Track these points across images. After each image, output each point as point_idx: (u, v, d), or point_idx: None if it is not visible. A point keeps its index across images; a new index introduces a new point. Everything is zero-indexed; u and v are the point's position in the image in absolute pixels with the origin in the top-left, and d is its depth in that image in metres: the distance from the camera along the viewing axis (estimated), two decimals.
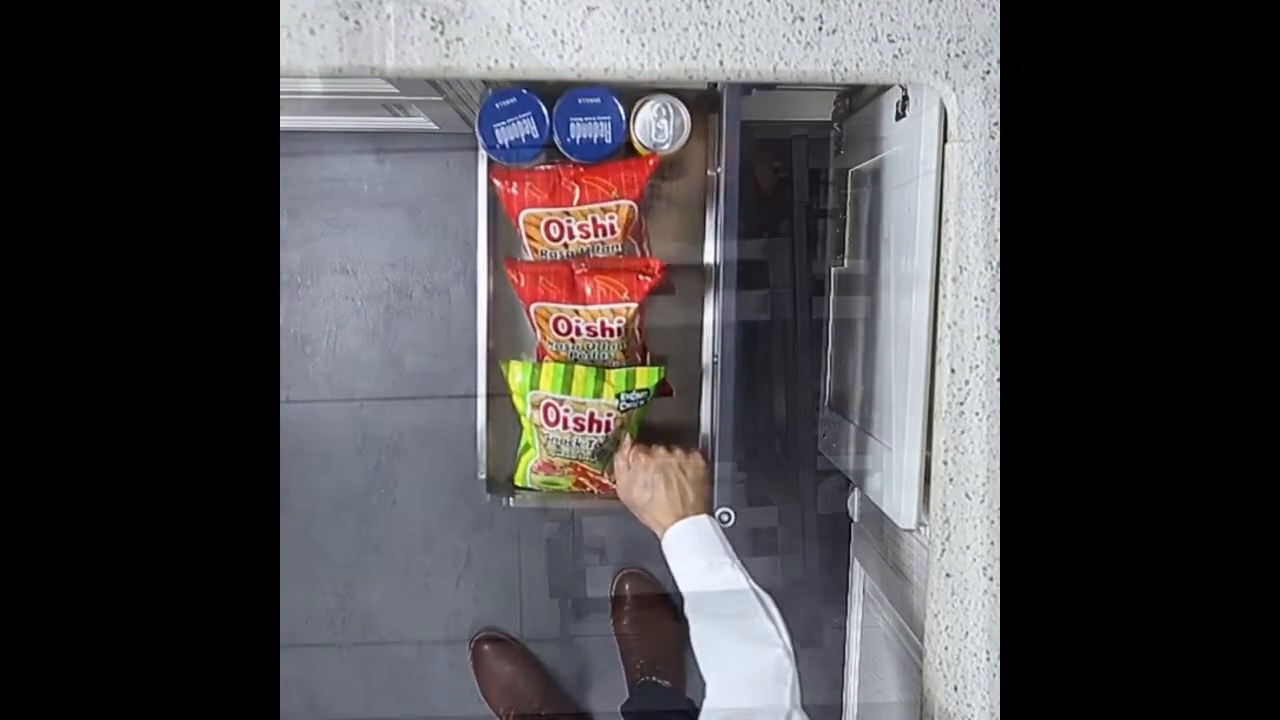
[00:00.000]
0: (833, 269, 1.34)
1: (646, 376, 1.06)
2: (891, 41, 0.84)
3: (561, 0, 0.83)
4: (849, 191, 1.25)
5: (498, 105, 1.01)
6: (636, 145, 1.03)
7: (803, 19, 0.83)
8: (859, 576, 1.46)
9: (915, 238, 0.91)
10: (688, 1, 0.83)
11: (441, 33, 0.83)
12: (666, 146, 1.02)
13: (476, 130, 1.01)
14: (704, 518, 0.97)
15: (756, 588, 0.91)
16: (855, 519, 1.45)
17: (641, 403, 1.06)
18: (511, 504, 1.14)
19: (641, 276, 1.04)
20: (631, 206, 1.03)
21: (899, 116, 0.99)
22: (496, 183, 1.04)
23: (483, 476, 1.12)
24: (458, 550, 1.51)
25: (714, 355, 1.03)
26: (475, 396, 1.10)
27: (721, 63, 0.84)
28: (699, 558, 0.94)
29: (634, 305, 1.04)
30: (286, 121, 1.30)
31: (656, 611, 1.49)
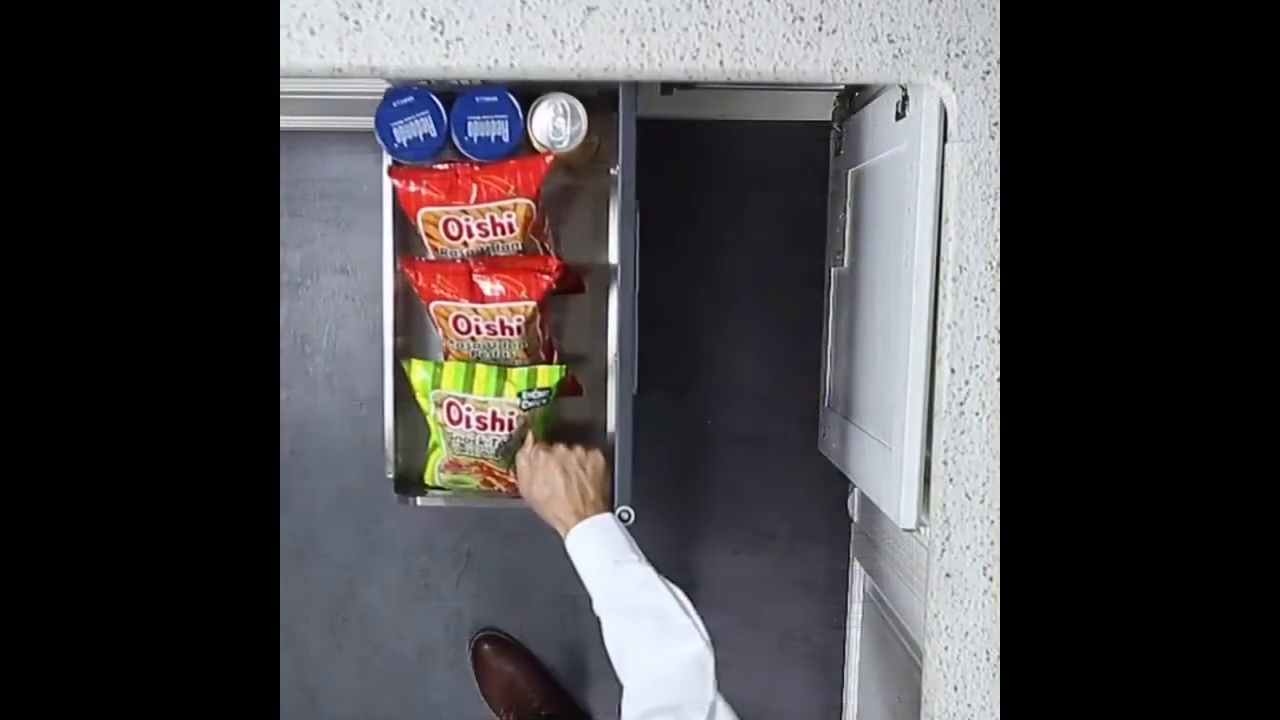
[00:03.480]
0: (833, 269, 1.34)
1: (548, 375, 1.05)
2: (891, 41, 0.84)
3: (561, 0, 0.83)
4: (848, 191, 1.25)
5: (395, 104, 1.00)
6: (535, 144, 1.02)
7: (802, 19, 0.83)
8: (859, 576, 1.46)
9: (915, 238, 0.91)
10: (688, 2, 0.83)
11: (441, 33, 0.83)
12: (564, 145, 1.01)
13: (375, 130, 1.01)
14: (605, 515, 0.96)
15: (668, 582, 0.91)
16: (855, 519, 1.45)
17: (544, 401, 1.05)
18: (419, 504, 1.14)
19: (541, 275, 1.04)
20: (529, 205, 1.02)
21: (899, 116, 0.99)
22: (394, 181, 1.03)
23: (391, 476, 1.12)
24: (458, 550, 1.51)
25: (615, 353, 1.03)
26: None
27: (721, 62, 0.84)
28: (604, 554, 0.93)
29: (533, 304, 1.03)
30: (286, 121, 1.30)
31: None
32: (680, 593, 0.90)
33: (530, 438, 1.05)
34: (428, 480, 1.13)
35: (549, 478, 0.98)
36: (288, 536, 1.47)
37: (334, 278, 1.44)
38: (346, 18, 0.83)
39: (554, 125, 1.01)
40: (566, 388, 1.12)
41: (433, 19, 0.83)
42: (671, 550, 1.48)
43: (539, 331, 1.07)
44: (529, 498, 1.02)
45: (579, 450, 1.00)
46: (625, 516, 0.98)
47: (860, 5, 0.83)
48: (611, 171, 1.01)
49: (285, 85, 0.78)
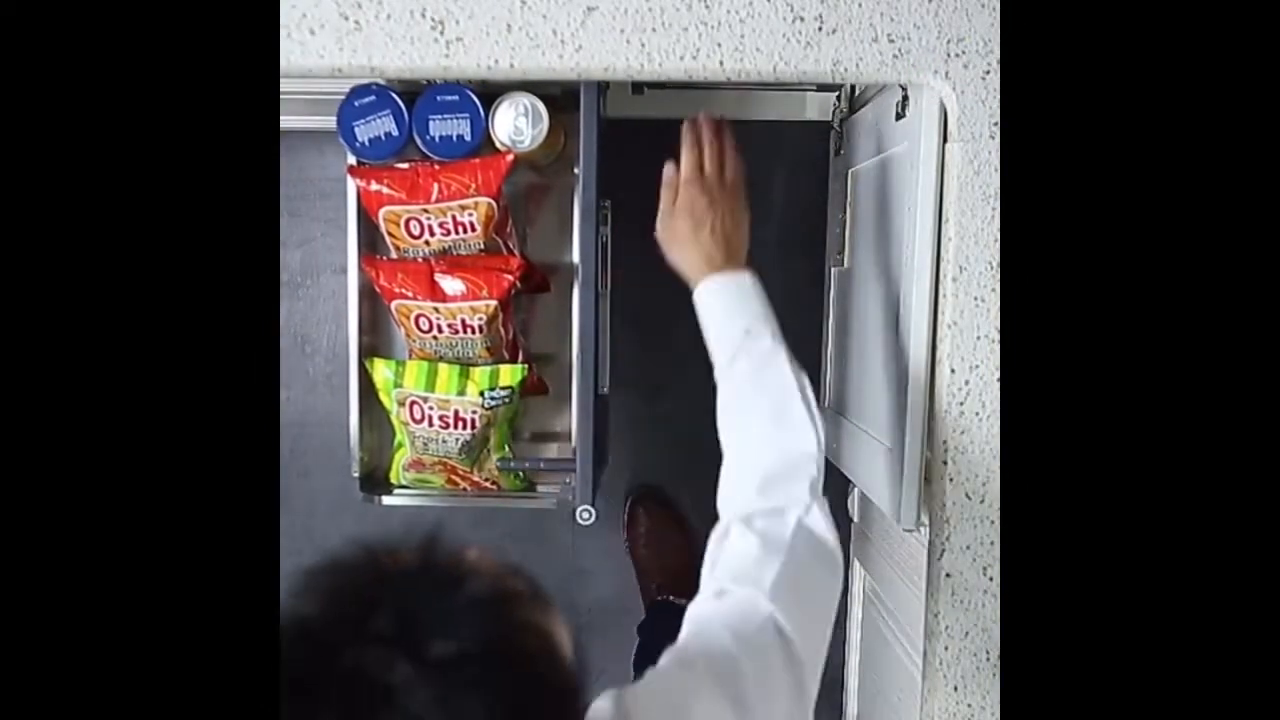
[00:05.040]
0: (833, 269, 1.34)
1: (510, 374, 1.05)
2: (891, 41, 0.84)
3: (561, 0, 0.83)
4: (848, 191, 1.25)
5: (357, 103, 1.00)
6: (496, 144, 1.02)
7: (802, 19, 0.83)
8: (859, 576, 1.46)
9: (915, 238, 0.91)
10: (688, 1, 0.83)
11: (441, 33, 0.83)
12: (526, 145, 1.01)
13: (337, 128, 1.01)
14: (746, 274, 0.87)
15: (797, 366, 0.83)
16: (855, 519, 1.45)
17: (506, 400, 1.05)
18: (384, 502, 1.14)
19: (503, 274, 1.03)
20: (490, 204, 1.02)
21: (899, 116, 0.99)
22: (356, 180, 1.03)
23: (356, 475, 1.12)
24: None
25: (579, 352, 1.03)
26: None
27: (721, 63, 0.84)
28: (736, 320, 0.85)
29: (494, 303, 1.03)
30: (286, 121, 1.30)
31: (671, 532, 1.44)
32: (806, 380, 0.83)
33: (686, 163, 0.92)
34: (393, 479, 1.14)
35: (700, 218, 0.88)
36: (288, 536, 1.46)
37: (334, 278, 1.43)
38: (346, 18, 0.83)
39: (515, 125, 1.00)
40: (531, 386, 1.12)
41: (433, 19, 0.83)
42: None
43: (502, 330, 1.07)
44: (667, 229, 0.91)
45: (739, 198, 0.90)
46: (586, 517, 0.98)
47: (860, 5, 0.83)
48: (575, 171, 1.01)
49: (285, 85, 0.78)
